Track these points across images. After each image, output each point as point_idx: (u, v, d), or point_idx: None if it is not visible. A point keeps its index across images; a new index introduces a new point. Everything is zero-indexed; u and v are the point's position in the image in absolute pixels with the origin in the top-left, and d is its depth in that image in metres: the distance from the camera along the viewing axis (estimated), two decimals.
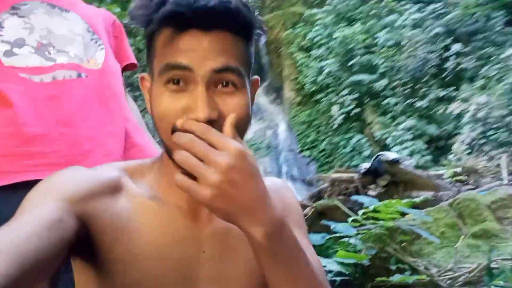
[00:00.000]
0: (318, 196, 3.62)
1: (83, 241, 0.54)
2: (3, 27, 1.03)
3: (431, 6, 10.24)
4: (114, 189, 0.60)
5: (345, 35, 9.63)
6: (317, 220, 2.77)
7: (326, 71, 9.48)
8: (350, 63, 9.51)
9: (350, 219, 1.99)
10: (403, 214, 1.99)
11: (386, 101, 9.03)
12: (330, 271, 1.80)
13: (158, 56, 0.57)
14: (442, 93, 8.85)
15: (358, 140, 8.66)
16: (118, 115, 1.14)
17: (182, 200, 0.63)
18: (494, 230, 2.15)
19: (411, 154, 7.80)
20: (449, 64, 9.11)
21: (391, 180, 3.42)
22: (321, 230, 2.13)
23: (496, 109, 7.24)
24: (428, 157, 7.95)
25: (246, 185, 0.50)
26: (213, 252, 0.64)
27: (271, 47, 11.45)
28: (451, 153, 7.17)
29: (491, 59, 8.55)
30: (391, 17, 10.05)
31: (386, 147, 8.27)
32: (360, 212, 1.95)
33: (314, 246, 0.79)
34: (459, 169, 3.69)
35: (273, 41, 11.37)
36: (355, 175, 3.50)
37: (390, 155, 3.48)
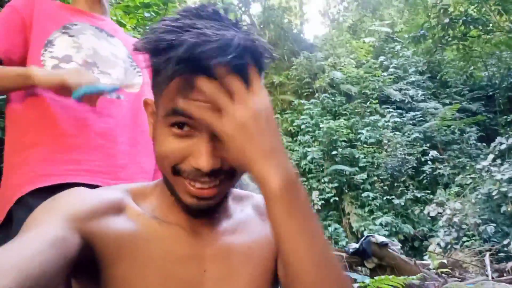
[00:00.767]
0: None
1: (86, 259, 0.54)
2: (53, 45, 1.11)
3: (411, 113, 11.04)
4: (117, 209, 0.60)
5: (330, 126, 10.09)
6: None
7: (309, 157, 9.70)
8: (333, 152, 9.82)
9: None
10: None
11: (365, 194, 9.17)
12: None
13: (165, 97, 0.55)
14: (418, 194, 9.09)
15: (336, 229, 8.56)
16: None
17: (184, 221, 0.62)
18: None
19: None
20: (426, 168, 9.52)
21: (378, 264, 3.31)
22: None
23: (470, 216, 7.41)
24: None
25: (268, 130, 0.50)
26: (215, 272, 0.62)
27: None
28: (425, 255, 7.12)
29: (466, 168, 9.01)
30: (374, 117, 10.69)
31: None
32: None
33: None
34: (445, 260, 3.64)
35: None
36: (343, 254, 3.38)
37: (379, 238, 3.42)
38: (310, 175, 9.70)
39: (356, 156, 9.91)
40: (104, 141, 1.08)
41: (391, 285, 1.83)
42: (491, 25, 10.58)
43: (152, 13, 3.34)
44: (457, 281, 3.20)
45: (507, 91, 11.23)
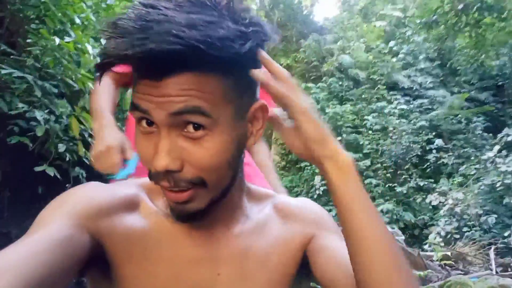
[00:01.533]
0: None
1: (97, 257, 0.53)
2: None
3: (418, 101, 10.92)
4: (130, 205, 0.58)
5: (336, 112, 10.01)
6: None
7: None
8: (337, 138, 9.75)
9: None
10: None
11: (367, 180, 9.17)
12: None
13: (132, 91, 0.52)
14: (421, 183, 9.08)
15: (336, 215, 8.61)
16: None
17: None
18: None
19: None
20: (431, 157, 9.48)
21: None
22: None
23: (472, 207, 7.42)
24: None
25: (321, 121, 0.55)
26: (229, 275, 0.60)
27: None
28: (425, 243, 7.16)
29: (470, 158, 8.96)
30: (380, 104, 10.59)
31: None
32: None
33: None
34: (448, 253, 3.66)
35: None
36: None
37: None
38: None
39: (361, 143, 9.87)
40: None
41: None
42: (505, 12, 10.30)
43: None
44: (461, 274, 3.21)
45: None
